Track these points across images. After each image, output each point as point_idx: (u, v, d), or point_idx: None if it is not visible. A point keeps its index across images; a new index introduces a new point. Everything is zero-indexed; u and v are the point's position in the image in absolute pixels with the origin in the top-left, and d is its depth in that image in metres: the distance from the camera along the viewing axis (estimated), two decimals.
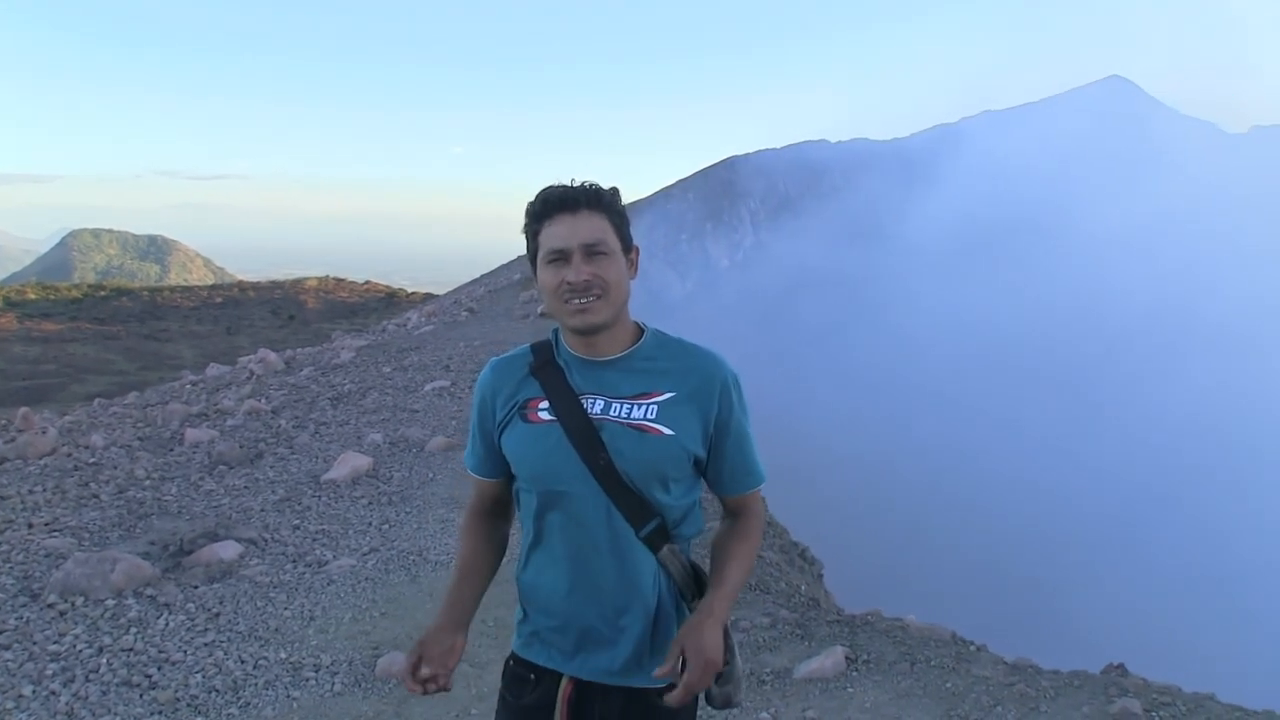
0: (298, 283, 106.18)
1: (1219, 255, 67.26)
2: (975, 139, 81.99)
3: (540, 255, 2.63)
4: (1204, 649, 31.34)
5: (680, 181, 69.60)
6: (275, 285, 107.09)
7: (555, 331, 2.81)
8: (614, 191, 2.68)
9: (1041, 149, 78.23)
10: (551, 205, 2.60)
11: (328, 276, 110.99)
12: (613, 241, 2.62)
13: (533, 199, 2.66)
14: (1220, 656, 29.65)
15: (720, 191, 70.05)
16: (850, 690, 6.65)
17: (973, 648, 7.68)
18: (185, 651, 6.61)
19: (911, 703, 6.46)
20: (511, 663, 2.88)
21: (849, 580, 16.34)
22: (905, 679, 6.83)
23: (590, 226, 2.59)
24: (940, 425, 53.61)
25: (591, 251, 2.57)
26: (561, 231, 2.58)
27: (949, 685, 6.73)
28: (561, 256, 2.58)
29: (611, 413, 2.64)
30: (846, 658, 7.07)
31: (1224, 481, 49.97)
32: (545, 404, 2.68)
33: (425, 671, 2.64)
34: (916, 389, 59.03)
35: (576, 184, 2.63)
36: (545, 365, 2.74)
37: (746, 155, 74.97)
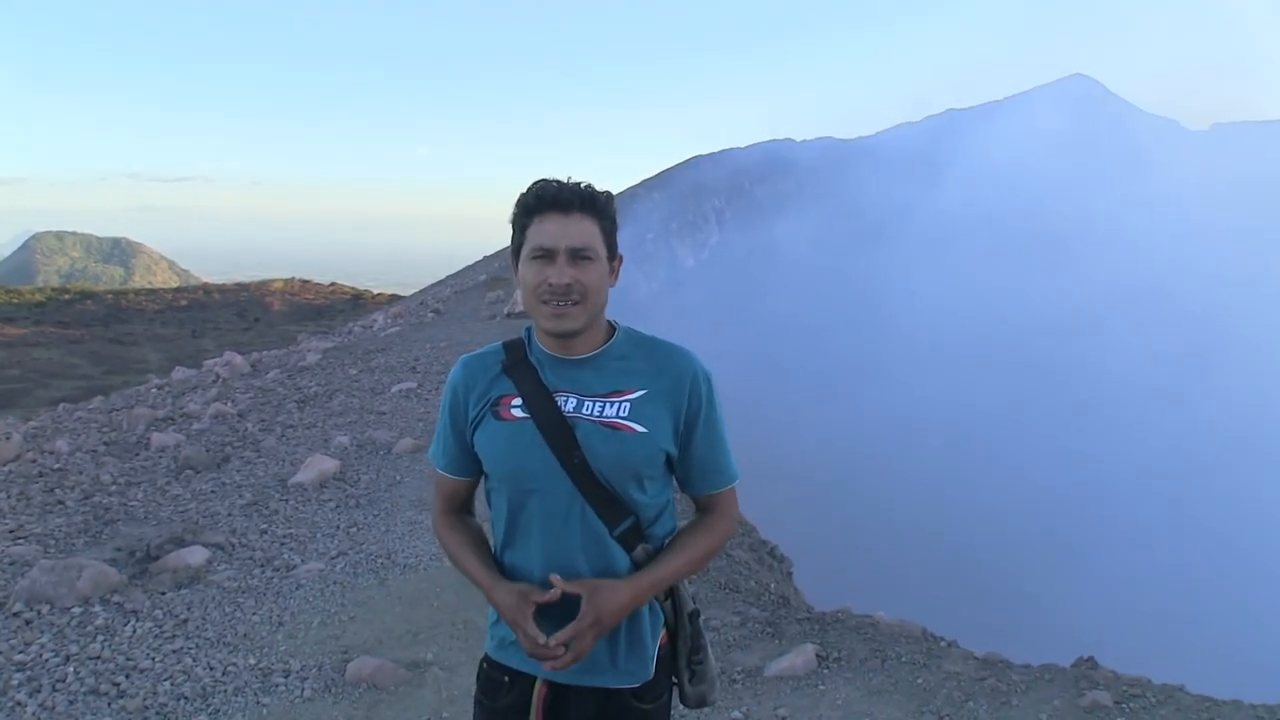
0: (263, 285, 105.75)
1: (1184, 248, 67.86)
2: (941, 137, 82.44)
3: (525, 250, 2.62)
4: (1174, 641, 31.59)
5: (645, 181, 69.68)
6: (240, 288, 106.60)
7: (528, 329, 2.79)
8: (608, 196, 2.68)
9: (1006, 146, 78.70)
10: (545, 201, 2.59)
11: (293, 278, 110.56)
12: (599, 248, 2.62)
13: (526, 191, 2.64)
14: (1189, 648, 29.87)
15: (686, 191, 70.09)
16: (821, 688, 6.67)
17: (943, 643, 7.72)
18: (153, 659, 6.56)
19: (883, 699, 6.49)
20: (485, 666, 2.85)
21: (818, 578, 16.39)
22: (876, 676, 6.86)
23: (580, 230, 2.58)
24: (909, 421, 53.84)
25: (577, 255, 2.57)
26: (551, 230, 2.57)
27: (920, 681, 6.76)
28: (547, 255, 2.57)
29: (584, 410, 2.63)
30: (817, 655, 7.09)
31: (1192, 473, 50.39)
32: (518, 401, 2.67)
33: (556, 639, 2.50)
34: (884, 385, 59.28)
35: (571, 182, 2.62)
36: (518, 363, 2.72)
37: (712, 154, 75.20)
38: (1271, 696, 6.59)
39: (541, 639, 2.48)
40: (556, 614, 2.56)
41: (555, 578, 2.52)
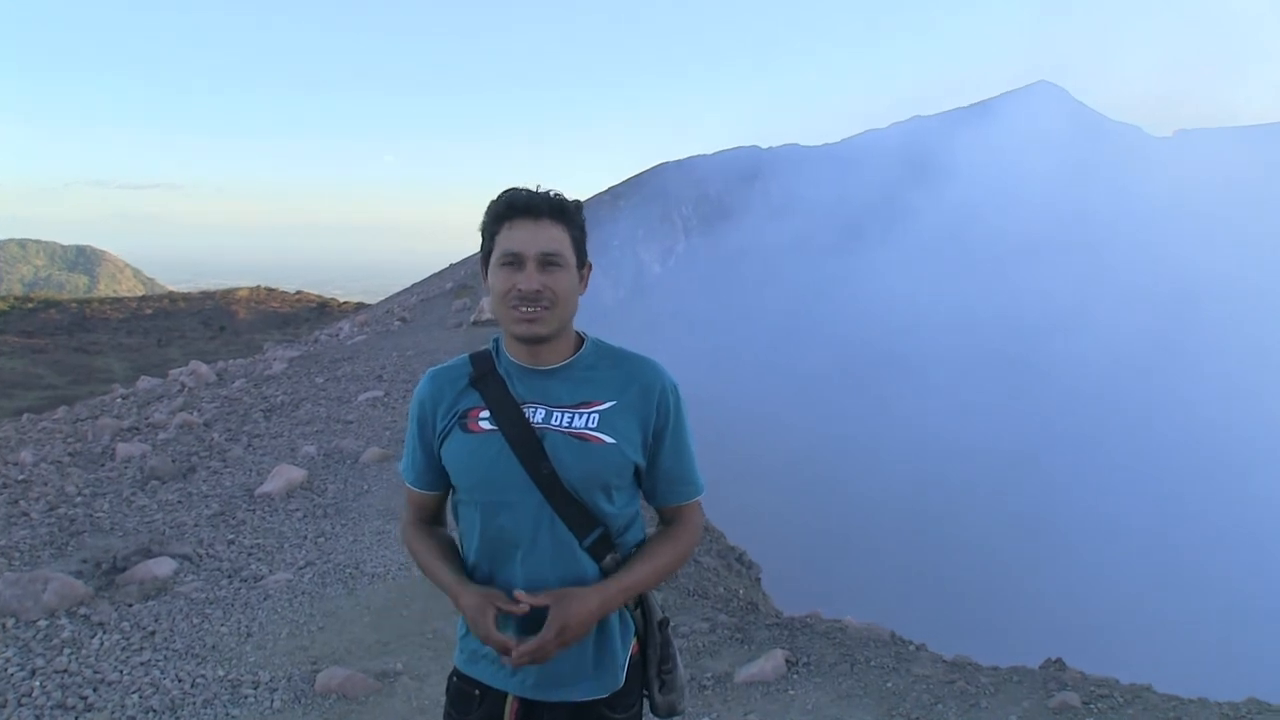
0: (229, 293, 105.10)
1: (1150, 250, 68.47)
2: (908, 143, 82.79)
3: (495, 256, 2.63)
4: (1141, 641, 31.79)
5: (611, 189, 69.70)
6: (206, 296, 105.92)
7: (496, 341, 2.79)
8: (578, 205, 2.69)
9: (974, 152, 79.15)
10: (515, 208, 2.60)
11: (259, 286, 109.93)
12: (569, 255, 2.63)
13: (496, 198, 2.65)
14: (1157, 648, 30.08)
15: (652, 197, 70.11)
16: (791, 693, 6.69)
17: (912, 647, 7.76)
18: (121, 671, 6.52)
19: (852, 703, 6.51)
20: (455, 679, 2.84)
21: (787, 583, 16.39)
22: (846, 680, 6.89)
23: (550, 236, 2.59)
24: (875, 424, 53.97)
25: (547, 262, 2.57)
26: (521, 236, 2.58)
27: (889, 685, 6.79)
28: (516, 261, 2.57)
29: (553, 422, 2.63)
30: (787, 660, 7.11)
31: (1156, 472, 50.75)
32: (486, 414, 2.67)
33: (522, 651, 2.50)
34: (851, 389, 59.44)
35: (542, 190, 2.63)
36: (485, 375, 2.72)
37: (678, 161, 75.27)
38: (1237, 694, 6.66)
39: (505, 639, 2.49)
40: (530, 625, 2.57)
41: (520, 593, 2.52)
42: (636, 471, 2.73)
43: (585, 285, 2.72)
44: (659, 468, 2.76)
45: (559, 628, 2.47)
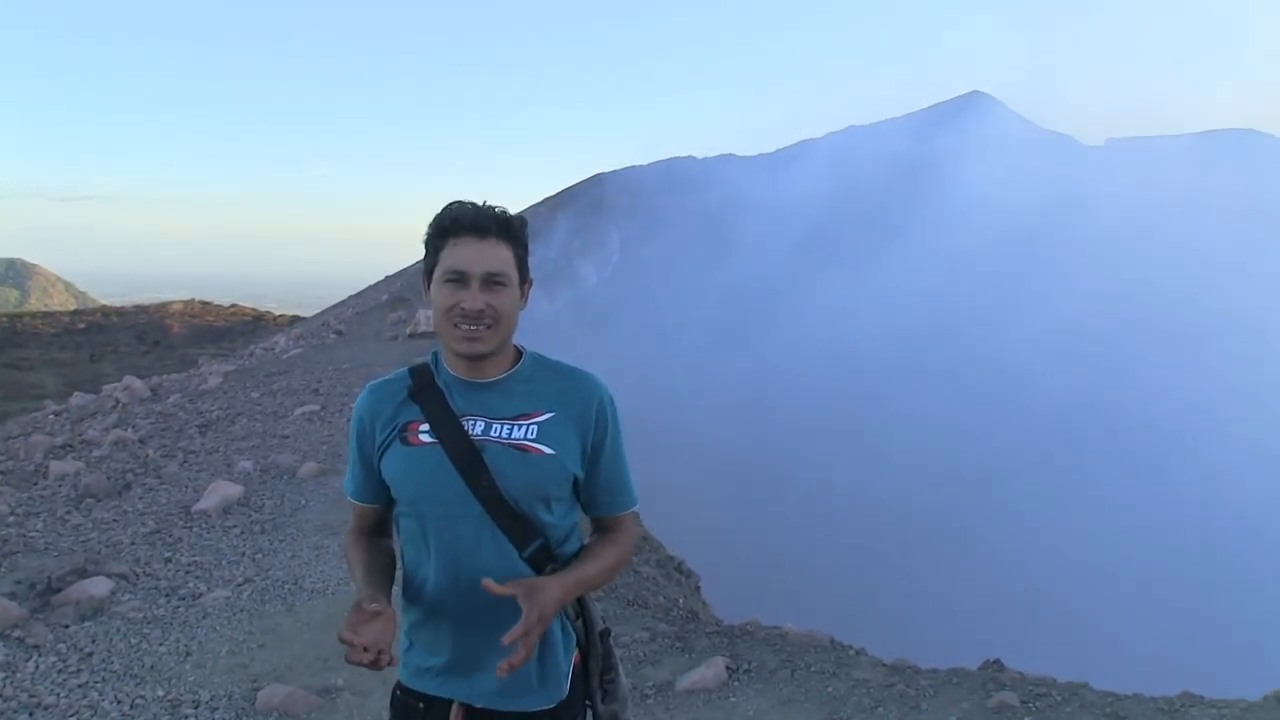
0: (163, 307, 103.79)
1: (1075, 261, 69.26)
2: (842, 151, 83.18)
3: (439, 272, 2.62)
4: (1078, 641, 32.11)
5: (547, 200, 69.58)
6: (140, 309, 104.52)
7: (435, 354, 2.80)
8: (522, 222, 2.70)
9: (906, 162, 79.66)
10: (461, 224, 2.60)
11: (193, 300, 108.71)
12: (512, 273, 2.64)
13: (441, 211, 2.65)
14: (1094, 645, 30.42)
15: (588, 208, 70.01)
16: (733, 699, 6.75)
17: (852, 652, 7.84)
18: (58, 694, 6.45)
19: (794, 708, 6.58)
20: (399, 692, 2.84)
21: (727, 591, 16.42)
22: (786, 686, 6.95)
23: (495, 255, 2.60)
24: (810, 430, 54.17)
25: (491, 281, 2.59)
26: (466, 254, 2.58)
27: (830, 689, 6.87)
28: (461, 279, 2.58)
29: (492, 433, 2.65)
30: (727, 668, 7.17)
31: (1086, 474, 51.36)
32: (425, 426, 2.68)
33: (357, 639, 2.43)
34: (783, 398, 59.64)
35: (486, 206, 2.63)
36: (425, 388, 2.73)
37: (614, 172, 75.30)
38: (1172, 689, 6.79)
39: (353, 638, 2.42)
40: (474, 622, 2.64)
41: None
42: (575, 483, 2.75)
43: (526, 301, 2.74)
44: (597, 479, 2.78)
45: (539, 613, 2.46)
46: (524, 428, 2.67)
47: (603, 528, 2.88)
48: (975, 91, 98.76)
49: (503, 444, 2.64)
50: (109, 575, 8.62)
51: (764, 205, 76.24)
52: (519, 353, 2.79)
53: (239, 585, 8.73)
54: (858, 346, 63.70)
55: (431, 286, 2.67)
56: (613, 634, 2.95)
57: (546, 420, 2.68)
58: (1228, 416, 54.70)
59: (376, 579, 2.76)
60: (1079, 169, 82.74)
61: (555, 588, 2.55)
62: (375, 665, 2.45)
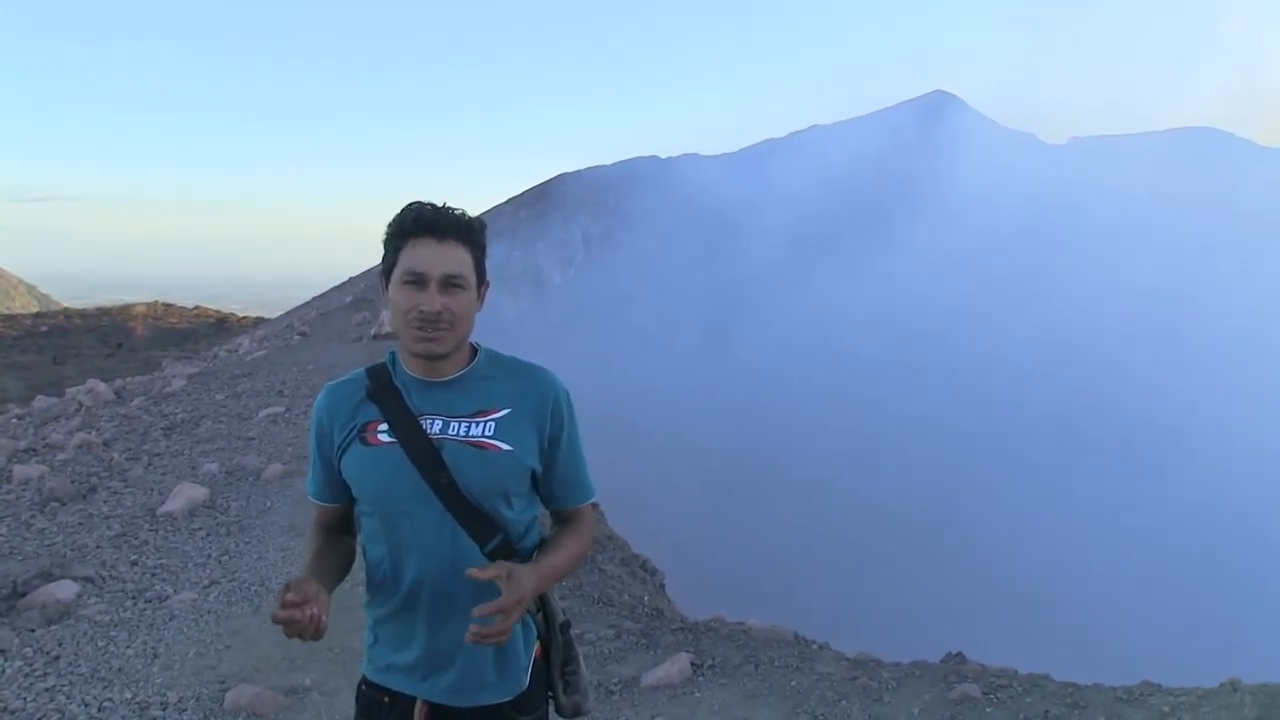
0: (126, 309, 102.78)
1: (1039, 260, 69.56)
2: (805, 152, 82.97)
3: (398, 273, 2.66)
4: (1040, 633, 32.25)
5: (511, 199, 69.21)
6: (103, 312, 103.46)
7: (392, 354, 2.85)
8: (481, 224, 2.75)
9: (869, 161, 79.64)
10: (421, 226, 2.63)
11: (156, 302, 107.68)
12: (470, 275, 2.68)
13: (401, 213, 2.68)
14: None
15: (552, 208, 69.67)
16: (698, 695, 6.81)
17: (815, 646, 7.93)
18: (25, 699, 6.45)
19: (758, 703, 6.65)
20: (364, 688, 2.89)
21: (691, 588, 16.48)
22: (751, 680, 7.03)
23: (453, 258, 2.64)
24: (773, 431, 54.12)
25: (449, 283, 2.62)
26: (425, 256, 2.61)
27: (794, 684, 6.95)
28: (419, 281, 2.61)
29: (450, 431, 2.69)
30: (692, 663, 7.23)
31: (1050, 467, 51.57)
32: (384, 426, 2.71)
33: (293, 596, 2.47)
34: (746, 392, 59.57)
35: (445, 208, 2.67)
36: (383, 388, 2.76)
37: (578, 171, 74.91)
38: (1131, 678, 6.91)
39: (279, 613, 2.44)
40: (437, 618, 2.71)
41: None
42: (533, 477, 2.81)
43: (482, 303, 2.77)
44: (555, 472, 2.84)
45: (518, 595, 2.50)
46: (481, 424, 2.71)
47: (563, 519, 2.94)
48: (939, 90, 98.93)
49: (461, 441, 2.69)
50: (75, 579, 8.60)
51: (740, 203, 76.08)
52: (474, 350, 2.83)
53: (205, 587, 8.73)
54: (827, 346, 63.79)
55: (390, 286, 2.70)
56: (577, 631, 3.02)
57: (503, 416, 2.73)
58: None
59: (320, 568, 2.80)
60: (1051, 167, 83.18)
61: (532, 575, 2.60)
62: (313, 628, 2.49)
